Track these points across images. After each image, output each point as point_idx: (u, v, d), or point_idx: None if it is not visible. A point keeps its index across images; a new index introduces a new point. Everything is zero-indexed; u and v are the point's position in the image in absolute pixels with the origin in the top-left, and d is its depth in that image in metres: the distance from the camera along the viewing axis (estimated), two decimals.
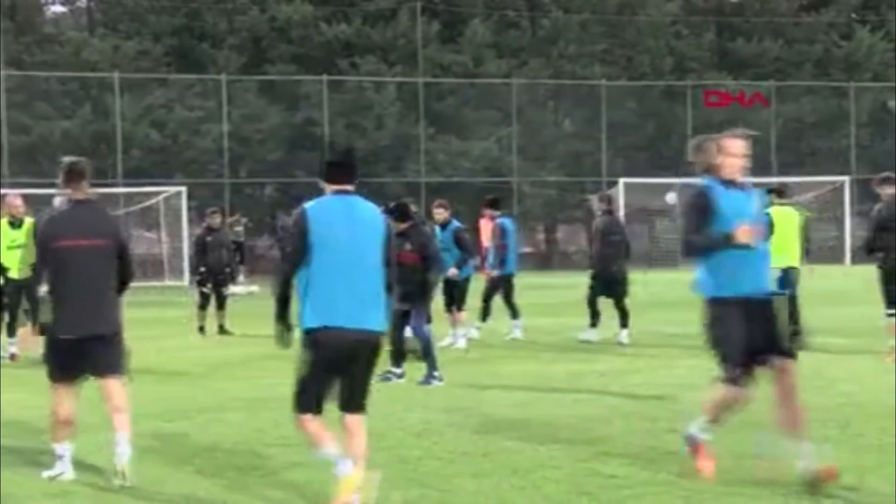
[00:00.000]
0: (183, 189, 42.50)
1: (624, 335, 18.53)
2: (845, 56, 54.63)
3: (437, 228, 18.27)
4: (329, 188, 7.68)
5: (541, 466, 9.13)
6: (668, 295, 27.76)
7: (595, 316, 18.98)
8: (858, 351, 16.47)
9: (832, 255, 43.41)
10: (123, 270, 9.10)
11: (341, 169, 7.69)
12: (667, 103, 52.95)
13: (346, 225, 7.52)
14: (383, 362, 14.39)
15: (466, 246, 18.34)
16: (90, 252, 8.88)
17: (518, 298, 19.93)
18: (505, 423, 11.12)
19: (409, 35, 50.36)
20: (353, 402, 7.80)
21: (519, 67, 51.07)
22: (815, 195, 48.88)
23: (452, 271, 17.91)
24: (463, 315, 18.66)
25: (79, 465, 9.16)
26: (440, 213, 18.50)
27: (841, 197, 48.41)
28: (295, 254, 7.51)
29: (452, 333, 18.42)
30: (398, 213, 14.16)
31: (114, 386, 9.03)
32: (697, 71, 53.20)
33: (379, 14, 50.73)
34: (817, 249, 47.13)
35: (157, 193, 43.11)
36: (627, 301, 19.08)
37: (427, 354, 14.20)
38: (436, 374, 14.12)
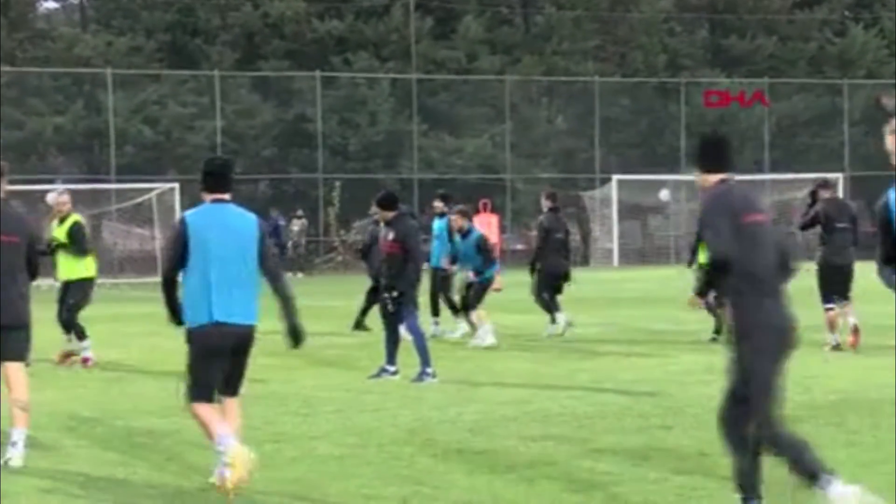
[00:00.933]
0: (176, 185, 42.43)
1: (552, 329, 18.94)
2: (839, 53, 54.68)
3: (458, 237, 18.61)
4: (207, 197, 8.48)
5: (534, 463, 9.12)
6: (662, 291, 27.76)
7: (550, 310, 19.13)
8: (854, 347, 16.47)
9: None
10: (31, 266, 9.57)
11: (217, 179, 8.53)
12: (660, 100, 52.99)
13: (221, 230, 8.29)
14: (378, 358, 14.42)
15: (488, 253, 18.74)
16: (4, 248, 9.26)
17: (511, 295, 19.93)
18: (498, 420, 11.12)
19: (402, 31, 50.34)
20: (231, 387, 8.53)
21: (512, 64, 51.07)
22: (809, 192, 48.89)
23: (444, 262, 18.20)
24: (481, 313, 18.66)
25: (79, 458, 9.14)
26: (457, 221, 18.75)
27: (835, 194, 48.31)
28: (174, 258, 8.29)
29: (476, 334, 18.49)
30: (385, 202, 14.31)
31: (15, 372, 9.37)
32: (691, 68, 53.24)
33: (372, 10, 50.70)
34: (810, 247, 47.47)
35: (150, 189, 43.06)
36: (561, 298, 19.39)
37: (421, 351, 14.18)
38: (429, 370, 14.10)
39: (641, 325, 19.95)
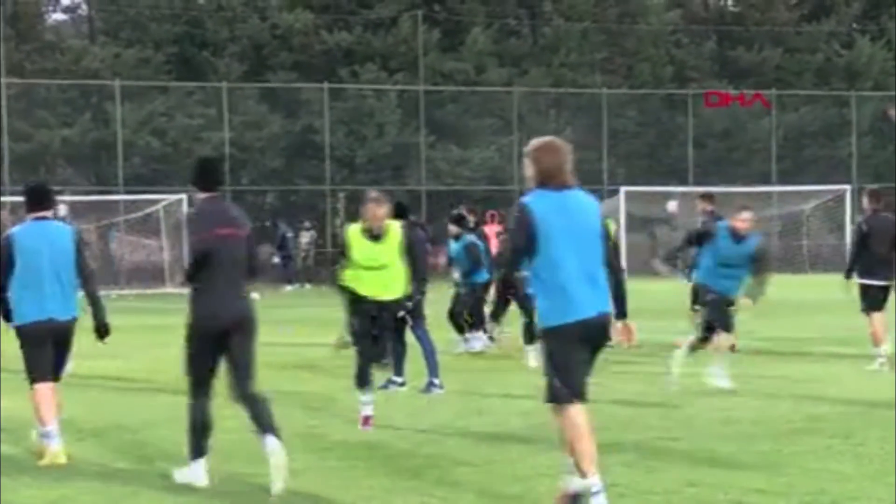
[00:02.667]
0: (184, 197, 42.43)
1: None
2: (846, 65, 54.66)
3: (480, 245, 18.77)
4: (29, 216, 10.16)
5: (541, 475, 9.11)
6: (669, 303, 27.72)
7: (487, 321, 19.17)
8: (858, 360, 16.44)
9: (834, 264, 43.36)
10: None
11: (38, 198, 10.24)
12: (668, 112, 52.99)
13: (44, 242, 10.04)
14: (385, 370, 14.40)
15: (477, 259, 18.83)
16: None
17: (508, 307, 19.87)
18: (506, 432, 11.12)
19: (409, 43, 50.39)
20: (53, 373, 10.19)
21: (520, 76, 51.09)
22: (816, 204, 48.95)
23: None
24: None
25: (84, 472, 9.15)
26: (452, 230, 18.92)
27: (842, 206, 48.39)
28: (4, 268, 9.98)
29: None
30: (395, 211, 14.30)
31: None
32: (698, 80, 53.24)
33: (380, 22, 50.76)
34: (818, 259, 47.46)
35: (158, 201, 43.11)
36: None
37: (429, 361, 14.18)
38: (436, 381, 14.10)
39: (648, 336, 19.85)
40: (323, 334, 22.01)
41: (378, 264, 11.87)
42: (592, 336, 7.57)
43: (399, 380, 14.28)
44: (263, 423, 8.79)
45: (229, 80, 47.55)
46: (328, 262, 46.54)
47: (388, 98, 49.26)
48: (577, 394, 7.50)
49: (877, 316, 15.80)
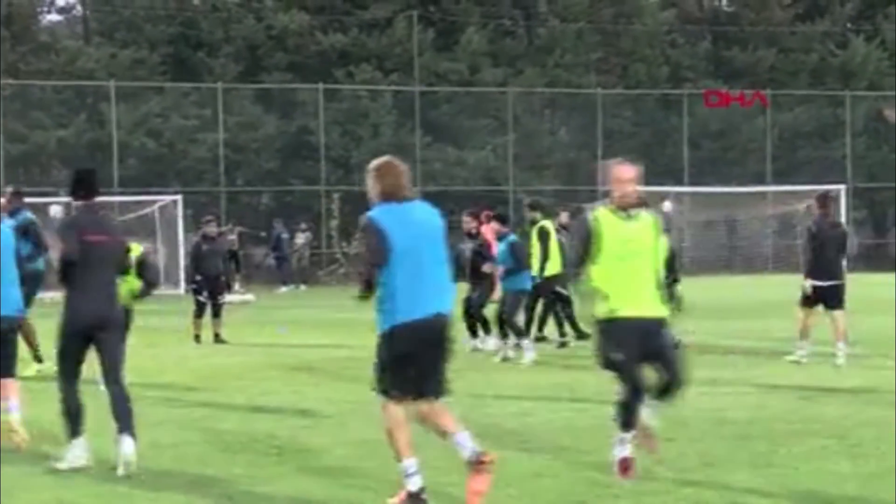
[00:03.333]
0: (179, 198, 42.46)
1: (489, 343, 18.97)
2: (841, 65, 54.72)
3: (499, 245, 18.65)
4: None
5: (538, 475, 9.11)
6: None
7: (486, 324, 19.13)
8: (854, 360, 16.45)
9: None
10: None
11: None
12: (663, 112, 53.01)
13: None
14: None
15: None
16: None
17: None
18: (501, 433, 11.11)
19: (404, 43, 50.39)
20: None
21: (515, 76, 51.11)
22: (811, 204, 48.89)
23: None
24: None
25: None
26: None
27: (837, 206, 48.37)
28: None
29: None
30: None
31: None
32: (693, 80, 53.28)
33: (375, 23, 50.75)
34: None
35: (153, 202, 43.07)
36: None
37: None
38: None
39: None
40: (318, 335, 22.05)
41: None
42: (432, 335, 8.17)
43: None
44: (121, 421, 9.57)
45: (224, 80, 47.53)
46: (324, 262, 46.57)
47: (384, 99, 49.27)
48: (408, 391, 8.19)
49: (811, 312, 16.77)
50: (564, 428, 11.34)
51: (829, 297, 16.55)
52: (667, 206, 45.06)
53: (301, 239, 45.64)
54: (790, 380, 14.85)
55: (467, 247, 19.07)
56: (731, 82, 52.70)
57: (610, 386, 14.37)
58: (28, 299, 13.41)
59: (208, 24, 50.12)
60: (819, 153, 53.52)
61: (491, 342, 18.69)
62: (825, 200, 17.24)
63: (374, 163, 8.49)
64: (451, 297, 8.40)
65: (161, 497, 8.69)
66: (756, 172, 51.60)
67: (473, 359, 18.00)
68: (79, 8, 55.13)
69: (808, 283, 16.58)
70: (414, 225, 8.26)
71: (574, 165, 51.86)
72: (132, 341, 16.38)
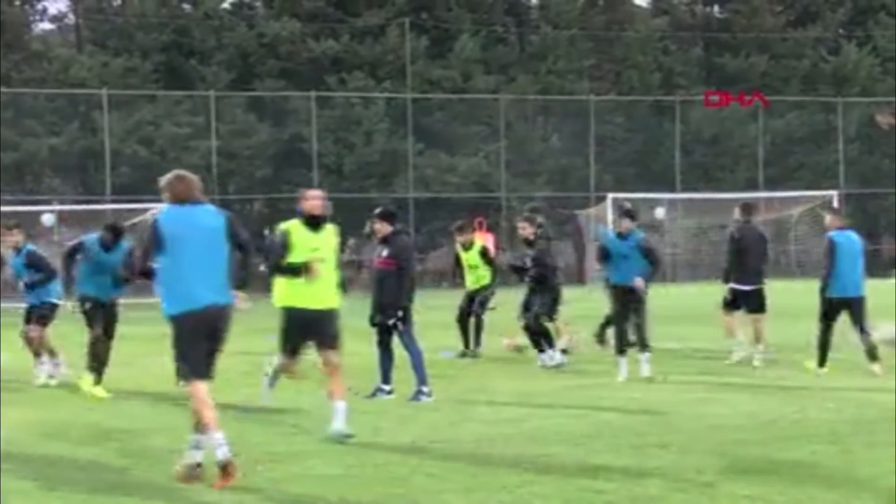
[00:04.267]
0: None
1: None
2: (833, 71, 54.82)
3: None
4: None
5: (530, 482, 9.10)
6: (657, 310, 27.69)
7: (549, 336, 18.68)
8: (844, 366, 16.45)
9: (820, 269, 43.40)
10: None
11: None
12: (655, 118, 53.07)
13: None
14: (373, 376, 14.36)
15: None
16: None
17: (506, 314, 19.87)
18: (494, 439, 11.10)
19: (397, 51, 50.42)
20: None
21: (507, 83, 51.15)
22: (803, 210, 49.00)
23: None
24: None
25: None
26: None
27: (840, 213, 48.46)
28: None
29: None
30: (386, 216, 14.28)
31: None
32: (685, 86, 53.35)
33: (367, 30, 50.78)
34: (805, 264, 47.48)
35: (146, 210, 42.99)
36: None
37: (417, 369, 14.14)
38: (425, 389, 14.07)
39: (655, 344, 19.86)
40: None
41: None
42: (207, 323, 9.43)
43: (387, 388, 14.25)
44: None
45: (216, 88, 47.52)
46: None
47: (376, 106, 49.29)
48: (199, 373, 9.38)
49: (738, 314, 17.55)
50: (557, 434, 11.33)
51: (750, 301, 17.35)
52: (659, 212, 45.17)
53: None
54: (781, 385, 14.85)
55: (527, 254, 18.75)
56: (724, 89, 52.77)
57: (602, 392, 14.41)
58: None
59: (200, 32, 50.12)
60: (811, 159, 53.59)
61: (557, 355, 17.78)
62: (749, 208, 18.05)
63: (168, 175, 9.64)
64: (227, 290, 9.58)
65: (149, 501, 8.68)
66: (748, 178, 51.64)
67: (465, 365, 17.98)
68: (71, 16, 55.11)
69: (729, 287, 17.35)
70: (196, 225, 9.44)
71: (566, 172, 51.88)
72: (124, 349, 16.37)
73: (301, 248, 11.35)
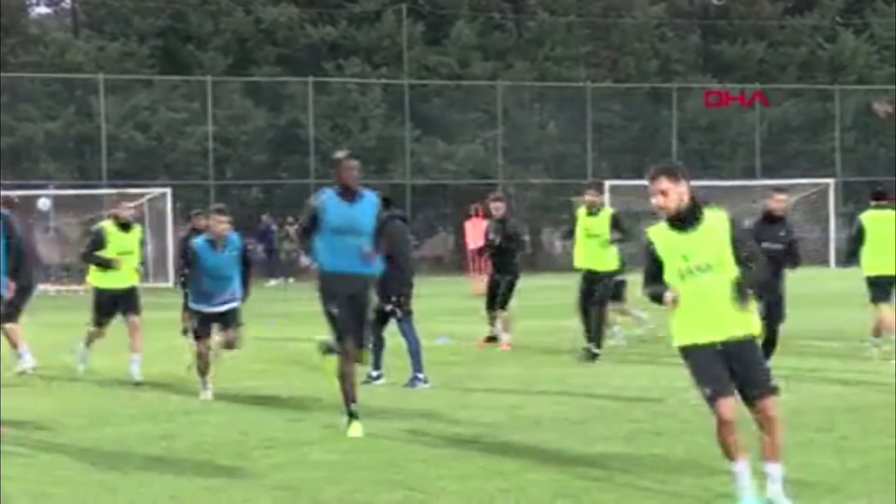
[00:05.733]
0: (168, 191, 42.41)
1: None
2: (830, 59, 54.78)
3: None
4: None
5: (525, 469, 9.13)
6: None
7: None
8: (842, 354, 16.50)
9: (817, 257, 43.51)
10: None
11: None
12: (652, 105, 53.00)
13: None
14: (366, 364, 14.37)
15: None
16: None
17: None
18: (490, 426, 11.12)
19: (394, 37, 50.35)
20: None
21: (504, 69, 51.09)
22: (800, 198, 49.04)
23: None
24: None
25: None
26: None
27: (826, 199, 48.52)
28: None
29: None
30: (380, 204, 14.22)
31: None
32: (683, 73, 53.31)
33: (364, 16, 50.70)
34: (802, 252, 47.55)
35: (142, 195, 42.99)
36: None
37: (414, 356, 14.16)
38: (420, 376, 14.10)
39: (633, 331, 19.91)
40: (305, 328, 22.02)
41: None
42: None
43: (375, 373, 14.23)
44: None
45: (213, 73, 47.44)
46: None
47: (373, 92, 49.23)
48: None
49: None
50: (553, 421, 11.36)
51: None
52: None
53: (290, 232, 45.63)
54: (776, 372, 14.86)
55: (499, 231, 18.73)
56: (721, 76, 52.75)
57: (598, 380, 14.43)
58: None
59: (197, 17, 50.02)
60: (808, 147, 53.58)
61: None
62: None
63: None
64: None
65: (150, 490, 8.68)
66: (745, 166, 51.64)
67: (461, 352, 18.00)
68: (67, 1, 54.99)
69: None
70: None
71: (563, 159, 51.84)
72: (117, 336, 16.38)
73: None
